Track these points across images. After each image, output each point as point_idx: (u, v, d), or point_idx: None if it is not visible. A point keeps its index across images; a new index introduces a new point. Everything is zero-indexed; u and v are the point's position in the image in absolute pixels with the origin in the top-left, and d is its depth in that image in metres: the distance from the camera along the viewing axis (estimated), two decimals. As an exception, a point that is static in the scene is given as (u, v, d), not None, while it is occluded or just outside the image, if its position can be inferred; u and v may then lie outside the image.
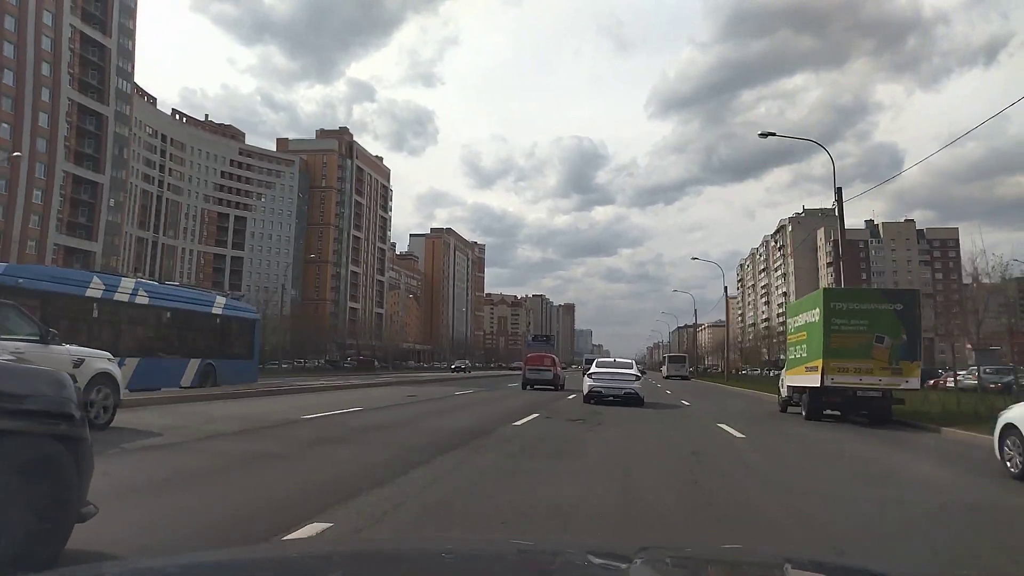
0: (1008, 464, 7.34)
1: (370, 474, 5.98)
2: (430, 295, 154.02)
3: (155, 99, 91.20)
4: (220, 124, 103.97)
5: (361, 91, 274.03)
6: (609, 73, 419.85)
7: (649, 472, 7.11)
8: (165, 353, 16.91)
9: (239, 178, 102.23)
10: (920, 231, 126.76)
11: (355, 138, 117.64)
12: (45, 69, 60.81)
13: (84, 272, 16.93)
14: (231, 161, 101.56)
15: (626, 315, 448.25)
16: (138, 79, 76.42)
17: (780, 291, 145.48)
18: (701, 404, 19.40)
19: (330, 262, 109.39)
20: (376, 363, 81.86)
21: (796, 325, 15.29)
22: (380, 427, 10.72)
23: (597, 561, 1.56)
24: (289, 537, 3.64)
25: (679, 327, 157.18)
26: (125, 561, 2.60)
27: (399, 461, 6.78)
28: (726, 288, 54.16)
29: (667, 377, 57.40)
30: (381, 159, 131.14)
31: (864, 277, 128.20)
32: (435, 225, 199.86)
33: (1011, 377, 21.80)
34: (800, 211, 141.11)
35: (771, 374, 74.10)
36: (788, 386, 15.78)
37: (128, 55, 71.84)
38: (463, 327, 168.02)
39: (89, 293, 14.84)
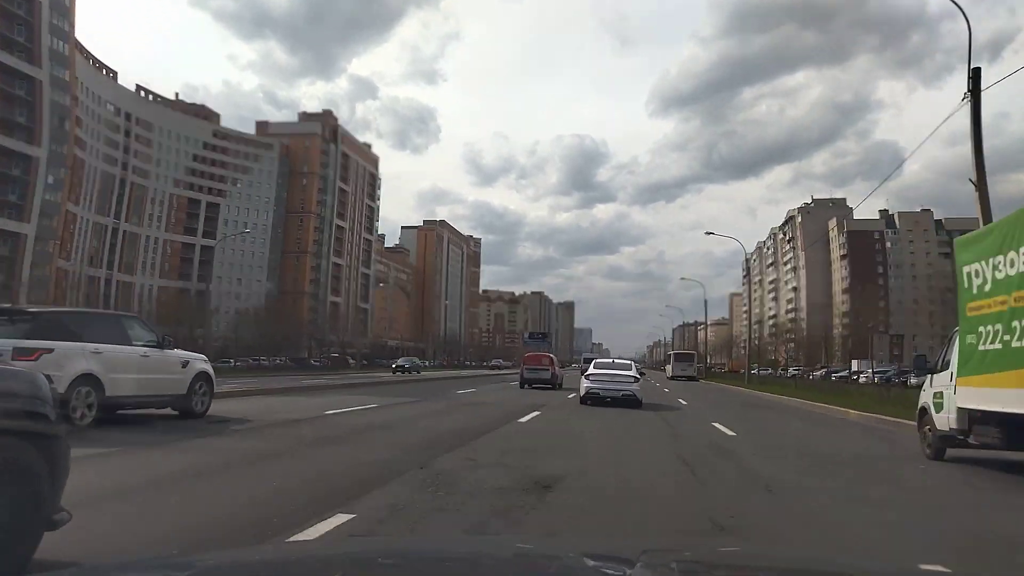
0: None
1: None
2: (421, 290, 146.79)
3: (115, 72, 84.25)
4: (192, 104, 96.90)
5: (363, 88, 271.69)
6: (611, 70, 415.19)
7: None
8: None
9: (213, 162, 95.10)
10: (938, 221, 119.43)
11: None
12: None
13: None
14: (204, 144, 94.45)
15: (627, 314, 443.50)
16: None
17: (790, 286, 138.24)
18: (738, 426, 12.32)
19: (310, 253, 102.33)
20: (351, 360, 74.97)
21: (997, 277, 7.00)
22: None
23: (600, 564, 1.56)
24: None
25: (681, 324, 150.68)
26: (125, 562, 2.54)
27: None
28: (748, 259, 46.95)
29: (672, 377, 50.37)
30: (369, 146, 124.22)
31: (880, 271, 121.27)
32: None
33: None
34: (809, 201, 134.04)
35: (786, 374, 67.31)
36: (966, 408, 7.48)
37: (64, 11, 64.42)
38: (457, 324, 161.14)
39: None
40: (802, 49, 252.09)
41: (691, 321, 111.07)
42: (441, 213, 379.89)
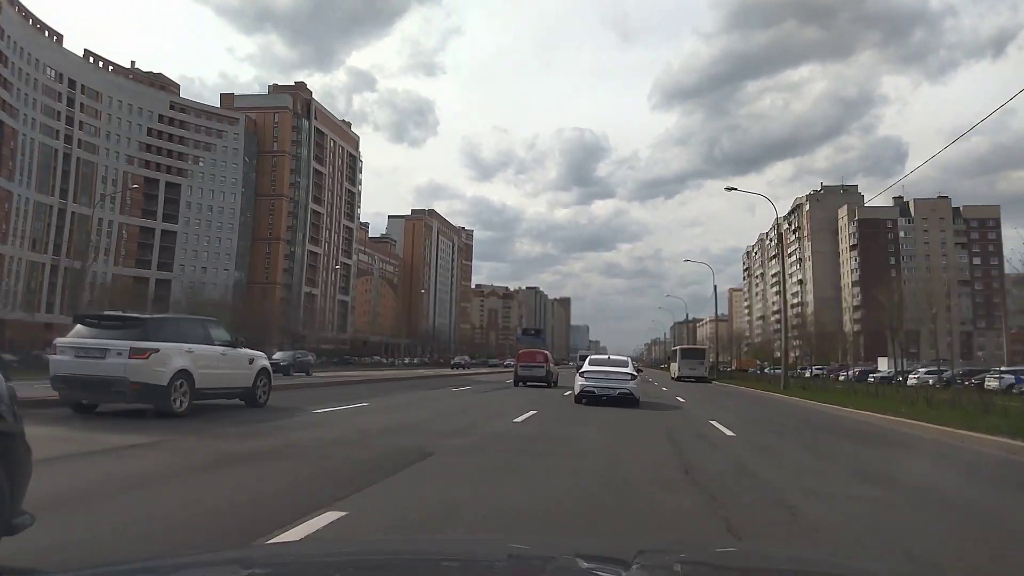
0: None
1: None
2: (409, 283, 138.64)
3: (60, 36, 75.96)
4: (148, 73, 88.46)
5: (361, 80, 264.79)
6: (612, 64, 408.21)
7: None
8: None
9: (170, 137, 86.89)
10: (956, 209, 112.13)
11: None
12: None
13: None
14: (160, 116, 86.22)
15: (624, 311, 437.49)
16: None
17: (795, 279, 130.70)
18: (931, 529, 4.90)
19: (282, 239, 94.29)
20: (312, 359, 66.98)
21: None
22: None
23: (595, 565, 1.56)
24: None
25: (679, 322, 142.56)
26: (124, 563, 2.36)
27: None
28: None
29: (678, 378, 41.65)
30: (349, 124, 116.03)
31: (892, 262, 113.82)
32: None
33: None
34: (818, 188, 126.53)
35: (803, 374, 59.77)
36: None
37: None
38: (448, 319, 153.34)
39: None
40: (805, 44, 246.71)
41: (690, 318, 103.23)
42: (439, 208, 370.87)
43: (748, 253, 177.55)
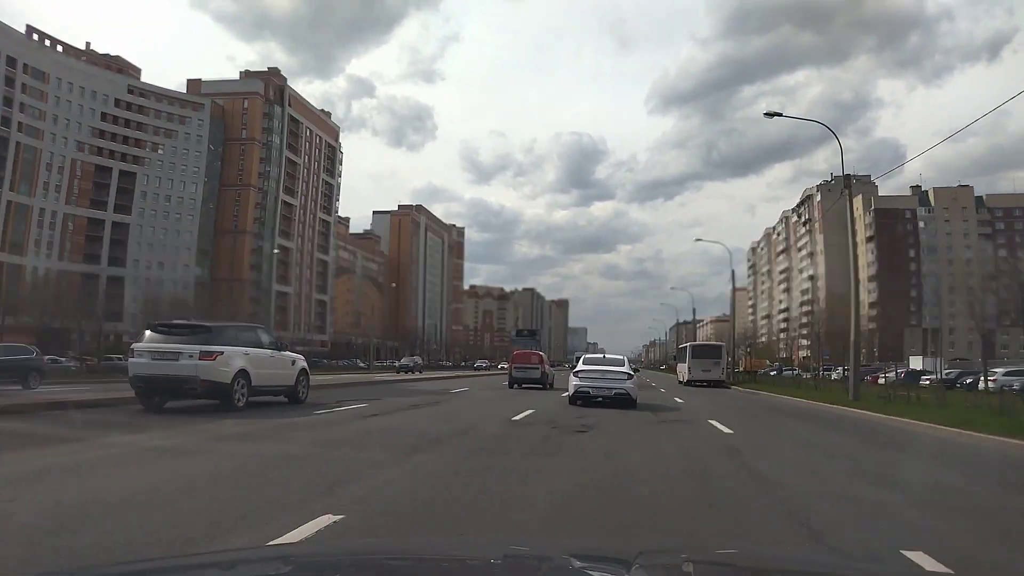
0: None
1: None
2: (396, 282, 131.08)
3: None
4: (104, 55, 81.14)
5: (360, 87, 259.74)
6: (610, 69, 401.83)
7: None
8: None
9: (127, 123, 79.44)
10: (979, 198, 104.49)
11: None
12: None
13: None
14: (117, 101, 78.80)
15: (623, 313, 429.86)
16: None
17: (806, 274, 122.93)
18: None
19: (249, 233, 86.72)
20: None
21: None
22: None
23: (596, 565, 1.56)
24: None
25: (679, 322, 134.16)
26: (124, 563, 2.53)
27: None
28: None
29: (688, 382, 34.54)
30: (329, 114, 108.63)
31: (912, 255, 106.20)
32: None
33: None
34: (829, 178, 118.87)
35: (825, 375, 52.44)
36: None
37: None
38: (438, 320, 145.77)
39: None
40: (801, 49, 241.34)
41: (688, 319, 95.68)
42: (437, 210, 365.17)
43: (754, 250, 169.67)
